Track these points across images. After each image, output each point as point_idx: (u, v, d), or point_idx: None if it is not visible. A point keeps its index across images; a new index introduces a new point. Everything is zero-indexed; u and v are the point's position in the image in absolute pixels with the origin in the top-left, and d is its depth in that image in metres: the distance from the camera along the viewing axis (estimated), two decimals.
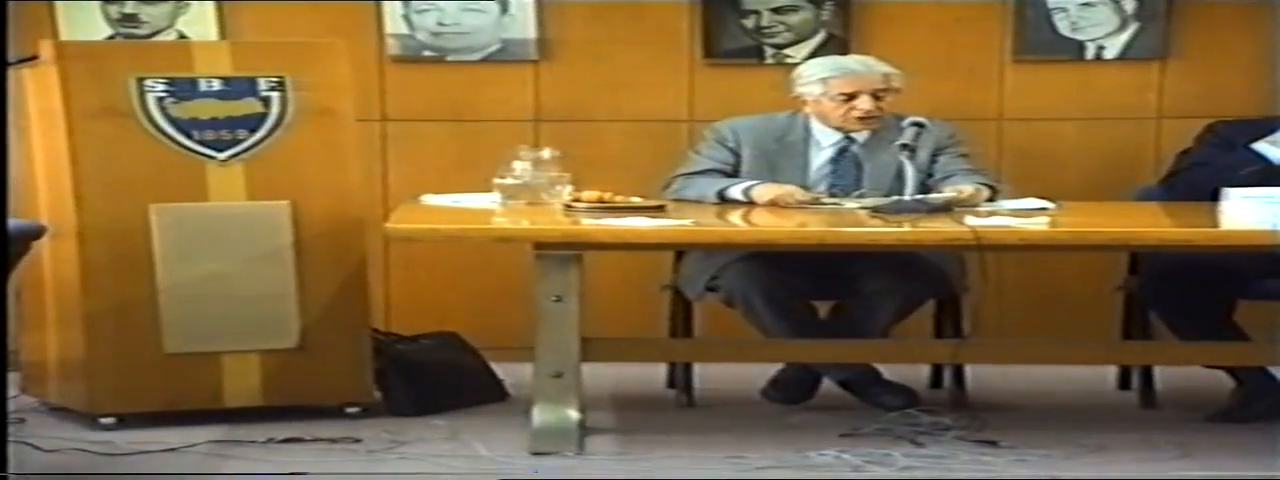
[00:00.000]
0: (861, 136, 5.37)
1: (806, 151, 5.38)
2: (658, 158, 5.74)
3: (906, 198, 5.02)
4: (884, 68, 5.36)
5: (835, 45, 5.94)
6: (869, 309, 5.24)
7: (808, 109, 5.39)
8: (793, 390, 5.40)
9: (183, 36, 5.91)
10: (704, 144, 5.45)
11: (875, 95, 5.30)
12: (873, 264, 5.21)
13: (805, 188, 5.27)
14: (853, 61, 5.42)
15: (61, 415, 5.18)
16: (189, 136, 5.12)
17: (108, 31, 5.94)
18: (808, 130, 5.40)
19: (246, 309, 5.12)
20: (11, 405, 4.62)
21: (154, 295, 5.07)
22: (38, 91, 5.08)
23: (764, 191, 5.22)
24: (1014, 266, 5.94)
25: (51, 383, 5.21)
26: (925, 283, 5.26)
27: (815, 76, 5.35)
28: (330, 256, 5.18)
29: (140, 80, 5.09)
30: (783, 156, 5.38)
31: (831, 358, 5.27)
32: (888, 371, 5.41)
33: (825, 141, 5.39)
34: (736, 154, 5.39)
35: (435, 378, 5.35)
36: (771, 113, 5.47)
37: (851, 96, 5.30)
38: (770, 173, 5.35)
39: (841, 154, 5.38)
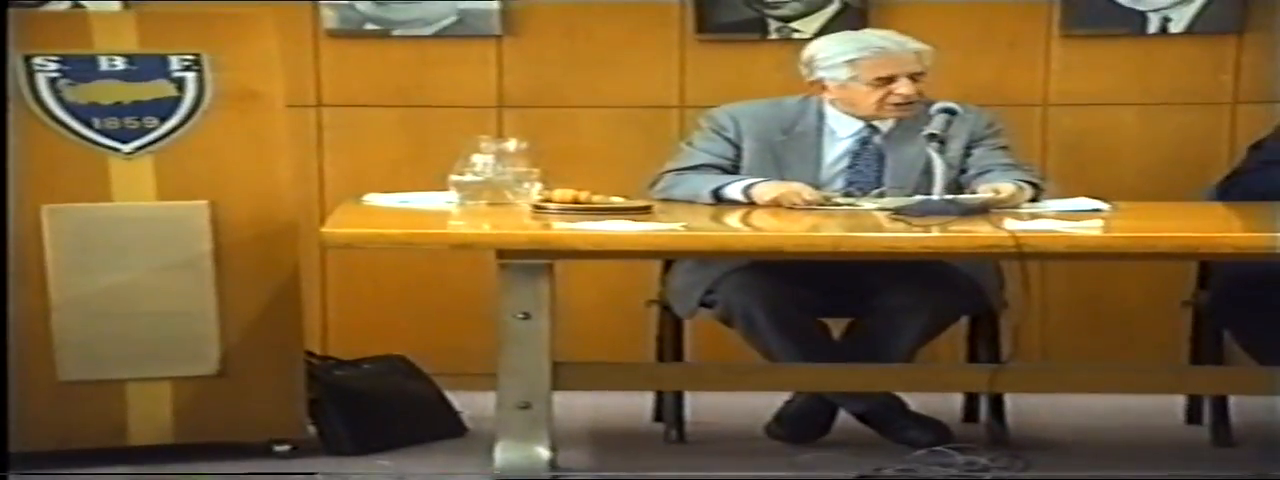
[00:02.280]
0: (886, 125, 5.39)
1: (819, 143, 5.40)
2: (643, 150, 5.76)
3: (935, 197, 5.04)
4: (916, 45, 5.38)
5: (850, 17, 5.97)
6: (891, 328, 5.25)
7: (829, 96, 5.40)
8: (803, 426, 5.40)
9: (78, 6, 5.91)
10: (698, 134, 5.45)
11: (912, 77, 5.32)
12: (895, 276, 5.22)
13: (816, 185, 5.29)
14: (880, 38, 5.43)
15: None
16: (88, 125, 5.11)
17: None
18: (821, 118, 5.42)
19: (156, 329, 5.11)
20: None
21: (46, 313, 5.06)
22: None
23: (766, 190, 5.24)
24: (1061, 278, 5.97)
25: None
26: (956, 297, 5.28)
27: (840, 58, 5.35)
28: (256, 267, 5.18)
29: (28, 58, 5.09)
30: (791, 149, 5.38)
31: (848, 386, 5.27)
32: (914, 402, 5.40)
33: (842, 131, 5.41)
34: (736, 146, 5.40)
35: (379, 409, 5.35)
36: (777, 97, 5.47)
37: (888, 80, 5.32)
38: (776, 168, 5.35)
39: (863, 146, 5.39)
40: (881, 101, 5.32)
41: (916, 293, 5.22)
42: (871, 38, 5.43)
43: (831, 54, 5.36)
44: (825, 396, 5.36)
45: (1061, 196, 5.30)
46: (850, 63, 5.32)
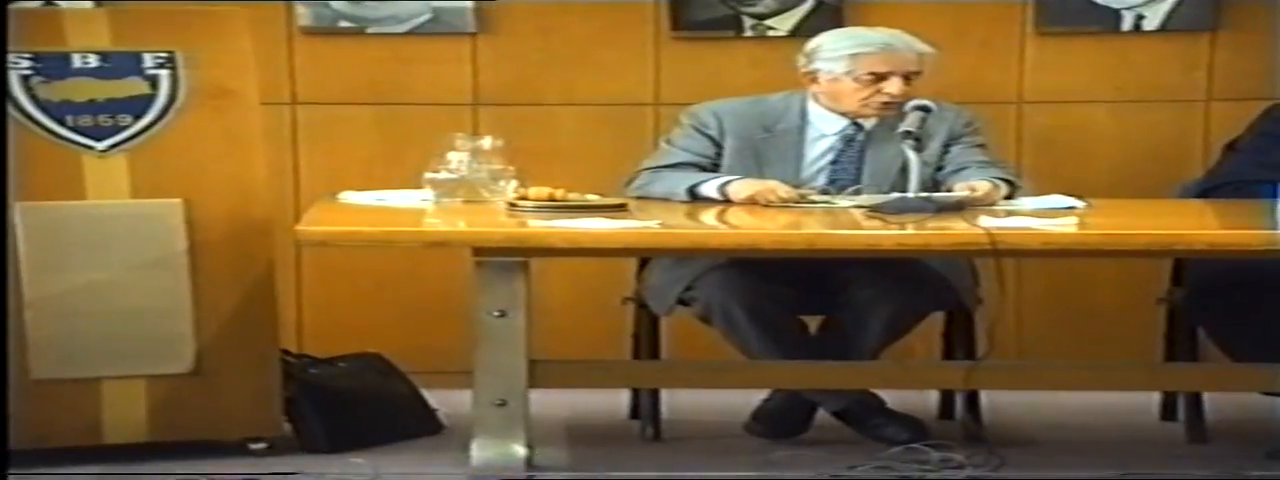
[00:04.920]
0: (869, 123, 5.38)
1: (801, 141, 5.39)
2: (618, 147, 5.77)
3: (910, 195, 5.03)
4: (922, 47, 5.37)
5: (826, 14, 5.97)
6: (858, 322, 5.26)
7: (815, 88, 5.38)
8: (782, 423, 5.38)
9: (51, 3, 5.89)
10: (679, 132, 5.44)
11: (906, 78, 5.32)
12: (863, 271, 5.24)
13: (796, 184, 5.28)
14: (890, 37, 5.40)
15: None
16: (61, 123, 5.10)
17: None
18: (804, 116, 5.40)
19: (131, 327, 5.10)
20: None
21: (20, 311, 5.02)
22: None
23: (741, 188, 5.23)
24: (1036, 276, 6.00)
25: None
26: (922, 293, 5.28)
27: (842, 51, 5.33)
28: (231, 265, 5.17)
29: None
30: (772, 147, 5.37)
31: (824, 383, 5.27)
32: (890, 399, 5.39)
33: (826, 129, 5.40)
34: (717, 144, 5.39)
35: (355, 407, 5.34)
36: (755, 94, 5.47)
37: (881, 78, 5.31)
38: (757, 165, 5.35)
39: (847, 144, 5.38)
40: (867, 99, 5.31)
41: (881, 287, 5.22)
42: (880, 34, 5.42)
43: (834, 47, 5.34)
44: (802, 394, 5.34)
45: (1036, 194, 5.28)
46: (851, 56, 5.31)
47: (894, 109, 5.31)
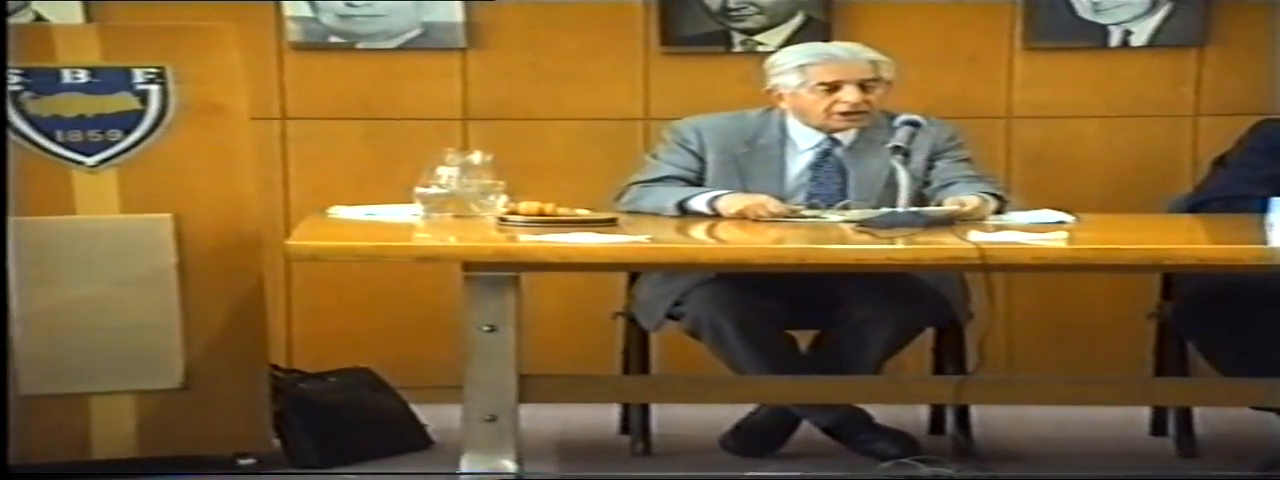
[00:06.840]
0: (847, 138, 5.39)
1: (782, 155, 5.40)
2: (608, 163, 5.77)
3: (900, 209, 5.04)
4: (872, 55, 5.38)
5: (815, 30, 5.98)
6: (858, 340, 5.25)
7: (783, 104, 5.41)
8: (760, 439, 5.39)
9: (40, 18, 5.90)
10: (663, 147, 5.46)
11: (862, 86, 5.33)
12: (860, 288, 5.23)
13: (780, 198, 5.29)
14: (836, 47, 5.46)
15: None
16: (51, 138, 5.11)
17: None
18: (784, 131, 5.42)
19: (120, 342, 5.10)
20: None
21: (8, 326, 4.92)
22: None
23: (731, 202, 5.23)
24: (1026, 290, 6.00)
25: None
26: (921, 309, 5.28)
27: (791, 64, 5.37)
28: (220, 279, 5.18)
29: None
30: (754, 161, 5.39)
31: (815, 397, 5.27)
32: (880, 414, 5.39)
33: (804, 143, 5.41)
34: (700, 158, 5.41)
35: (345, 422, 5.35)
36: (742, 110, 5.48)
37: (834, 88, 5.34)
38: (740, 180, 5.36)
39: (823, 158, 5.39)
40: (828, 110, 5.33)
41: (881, 305, 5.21)
42: (826, 46, 5.49)
43: (785, 62, 5.39)
44: (791, 409, 5.34)
45: (1025, 208, 5.28)
46: (800, 68, 5.34)
47: (863, 119, 5.33)
